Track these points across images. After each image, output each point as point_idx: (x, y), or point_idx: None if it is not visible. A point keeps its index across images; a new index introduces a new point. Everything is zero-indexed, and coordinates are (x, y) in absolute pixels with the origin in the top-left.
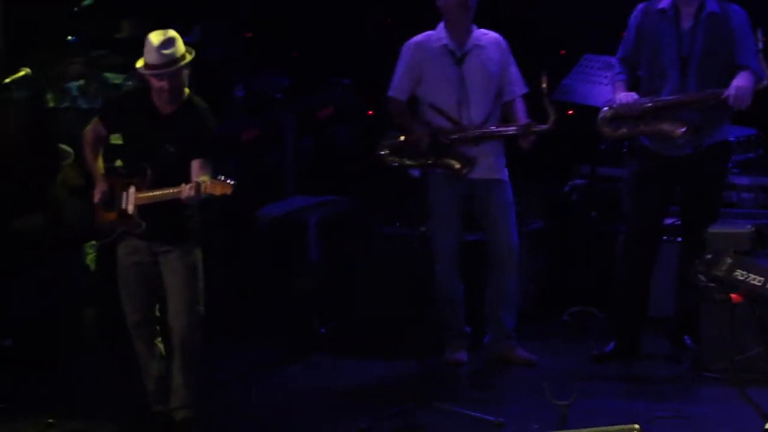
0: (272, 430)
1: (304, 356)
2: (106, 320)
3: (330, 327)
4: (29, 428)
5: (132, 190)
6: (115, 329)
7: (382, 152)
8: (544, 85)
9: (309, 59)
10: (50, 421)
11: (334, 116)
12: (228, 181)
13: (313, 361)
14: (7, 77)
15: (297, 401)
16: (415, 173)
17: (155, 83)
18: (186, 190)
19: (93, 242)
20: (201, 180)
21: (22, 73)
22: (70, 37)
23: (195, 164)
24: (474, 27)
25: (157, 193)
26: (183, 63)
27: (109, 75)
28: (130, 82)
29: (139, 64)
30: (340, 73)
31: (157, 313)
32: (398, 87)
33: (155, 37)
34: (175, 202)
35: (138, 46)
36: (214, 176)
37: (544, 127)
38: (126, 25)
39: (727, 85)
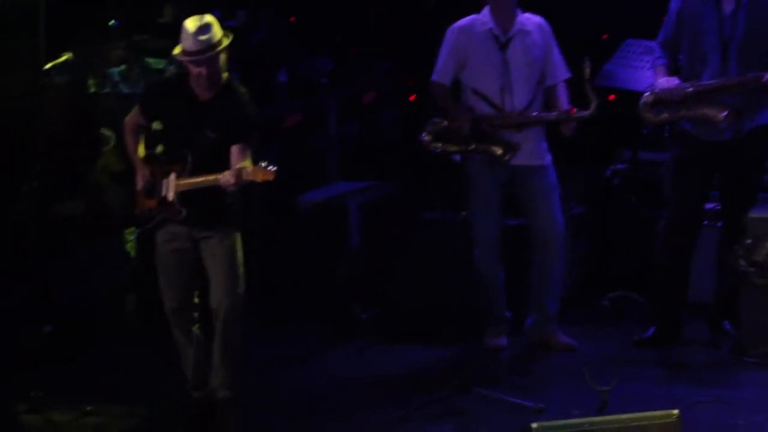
0: (311, 415)
1: (345, 342)
2: (146, 307)
3: (371, 313)
4: (68, 415)
5: (172, 177)
6: (155, 316)
7: (425, 138)
8: (586, 71)
9: (352, 44)
10: (88, 408)
11: (377, 101)
12: (269, 167)
13: (353, 347)
14: (48, 62)
15: (337, 387)
16: (457, 158)
17: (193, 69)
18: (227, 177)
19: (132, 228)
20: (242, 166)
21: (63, 58)
22: (111, 22)
23: (234, 150)
24: (518, 11)
25: (198, 179)
26: (220, 48)
27: (150, 60)
28: (171, 67)
29: (177, 50)
30: (383, 57)
31: (196, 300)
32: (442, 71)
33: (191, 24)
34: (216, 188)
35: (180, 31)
36: (254, 161)
37: (586, 113)
38: (168, 9)
39: None
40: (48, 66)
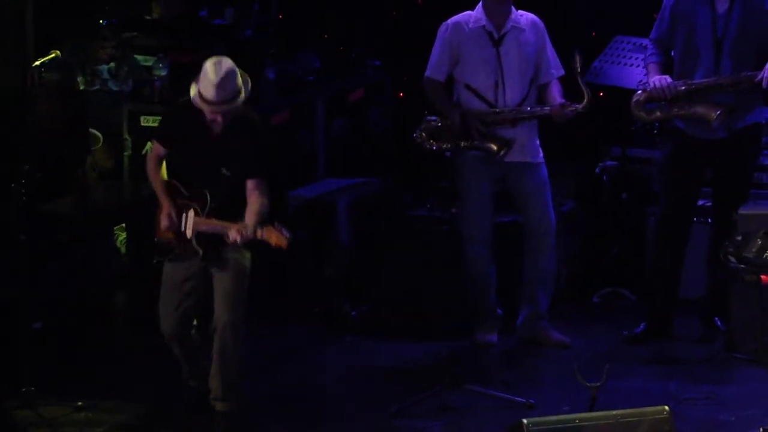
0: (303, 412)
1: (335, 339)
2: (135, 303)
3: (360, 309)
4: (59, 410)
5: (191, 213)
6: (145, 312)
7: (419, 136)
8: (578, 65)
9: (340, 41)
10: (79, 404)
11: (365, 98)
12: (285, 232)
13: (343, 344)
14: (37, 59)
15: (327, 384)
16: (448, 154)
17: (209, 114)
18: (233, 233)
19: (122, 225)
20: (258, 225)
21: (52, 56)
22: (102, 21)
23: (249, 185)
24: (512, 8)
25: (212, 223)
26: (240, 99)
27: (139, 57)
28: (160, 65)
29: (193, 92)
30: (371, 55)
31: (194, 323)
32: (436, 67)
33: (212, 71)
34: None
35: (168, 28)
36: (267, 192)
37: (579, 106)
38: (156, 6)
39: (761, 67)
40: (37, 63)
